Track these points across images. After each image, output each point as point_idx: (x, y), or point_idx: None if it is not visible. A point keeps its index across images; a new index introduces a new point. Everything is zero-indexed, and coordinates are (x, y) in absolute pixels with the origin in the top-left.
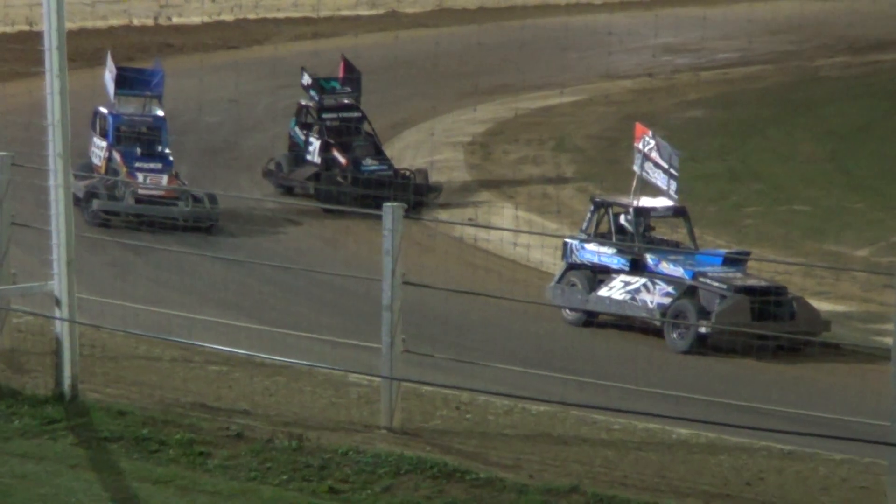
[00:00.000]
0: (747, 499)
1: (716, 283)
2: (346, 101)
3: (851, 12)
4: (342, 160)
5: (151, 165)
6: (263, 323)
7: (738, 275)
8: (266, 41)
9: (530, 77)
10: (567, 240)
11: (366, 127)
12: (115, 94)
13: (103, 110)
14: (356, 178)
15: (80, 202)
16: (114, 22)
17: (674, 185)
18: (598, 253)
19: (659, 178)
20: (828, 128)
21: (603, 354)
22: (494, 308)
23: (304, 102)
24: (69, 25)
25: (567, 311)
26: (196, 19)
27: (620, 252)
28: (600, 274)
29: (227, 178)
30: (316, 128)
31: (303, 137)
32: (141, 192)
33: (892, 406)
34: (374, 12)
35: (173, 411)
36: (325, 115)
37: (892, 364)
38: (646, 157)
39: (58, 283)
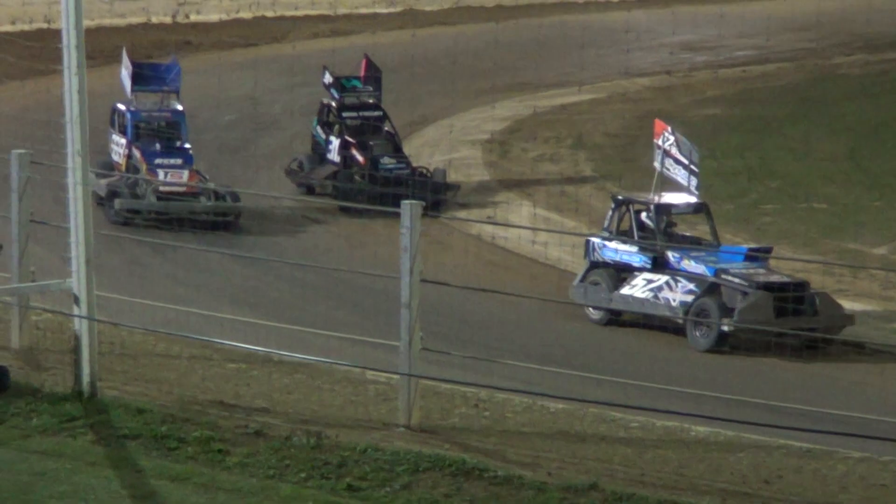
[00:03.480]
0: (765, 497)
1: (738, 280)
2: (368, 100)
3: (869, 9)
4: (360, 158)
5: (172, 161)
6: (282, 321)
7: (761, 271)
8: (284, 39)
9: (548, 75)
10: (589, 238)
11: (386, 126)
12: (132, 90)
13: (121, 107)
14: (373, 177)
15: (102, 201)
16: (132, 20)
17: (694, 181)
18: (620, 251)
19: (679, 175)
20: (846, 125)
21: (622, 352)
22: (513, 306)
23: (325, 101)
24: (87, 23)
25: (591, 309)
26: (214, 17)
27: (642, 250)
28: (623, 272)
29: (245, 176)
30: (336, 127)
31: (324, 136)
32: (162, 189)
33: None
34: (391, 10)
35: (192, 409)
36: (345, 114)
37: None
38: (666, 154)
39: (76, 281)
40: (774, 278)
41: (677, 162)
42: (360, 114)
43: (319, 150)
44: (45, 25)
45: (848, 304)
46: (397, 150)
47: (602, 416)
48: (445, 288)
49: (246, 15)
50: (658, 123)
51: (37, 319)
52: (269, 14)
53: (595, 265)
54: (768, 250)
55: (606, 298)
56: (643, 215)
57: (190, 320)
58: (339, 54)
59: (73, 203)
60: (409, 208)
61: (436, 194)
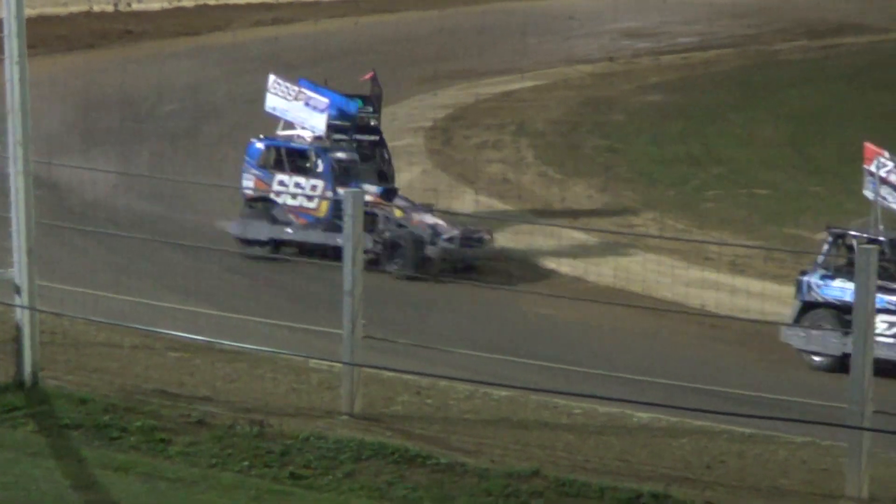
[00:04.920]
0: (707, 482)
1: None
2: (370, 121)
3: None
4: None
5: (405, 203)
6: (225, 310)
7: None
8: (226, 27)
9: (491, 62)
10: (803, 277)
11: (385, 153)
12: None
13: (300, 146)
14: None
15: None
16: (74, 9)
17: None
18: (848, 290)
19: None
20: (787, 112)
21: (566, 340)
22: (458, 294)
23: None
24: (29, 12)
25: (813, 356)
26: (156, 5)
27: (883, 289)
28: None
29: (187, 165)
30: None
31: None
32: (451, 234)
33: (849, 389)
34: None
35: (134, 398)
36: (337, 136)
37: (852, 347)
38: (883, 181)
39: (18, 271)
40: None
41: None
42: (352, 135)
43: None
44: None
45: (790, 290)
46: (382, 177)
47: (545, 403)
48: (388, 276)
49: (188, 4)
50: (869, 148)
51: None
52: (212, 2)
53: (811, 305)
54: None
55: (839, 343)
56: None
57: (133, 310)
58: (282, 42)
59: (14, 193)
60: (351, 197)
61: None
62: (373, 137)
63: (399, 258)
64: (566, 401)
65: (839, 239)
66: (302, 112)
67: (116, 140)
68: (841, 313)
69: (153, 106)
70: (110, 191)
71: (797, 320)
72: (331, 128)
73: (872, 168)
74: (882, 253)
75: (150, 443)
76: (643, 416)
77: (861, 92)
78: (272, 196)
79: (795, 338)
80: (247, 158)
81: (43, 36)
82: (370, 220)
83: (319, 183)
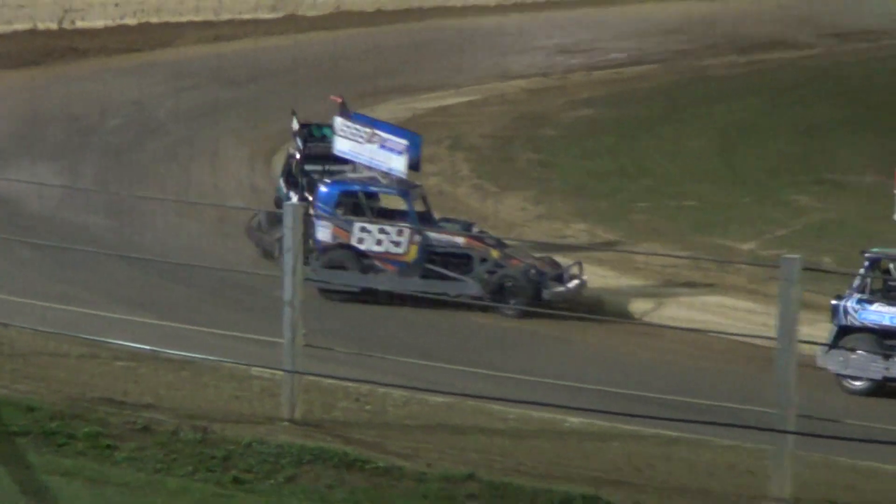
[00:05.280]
0: (637, 484)
1: None
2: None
3: (738, 13)
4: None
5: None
6: (168, 319)
7: None
8: (169, 44)
9: (427, 78)
10: (839, 302)
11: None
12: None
13: (382, 188)
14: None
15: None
16: (18, 26)
17: None
18: (887, 314)
19: None
20: (715, 125)
21: (502, 348)
22: (395, 304)
23: (291, 152)
24: None
25: (850, 380)
26: (100, 23)
27: None
28: (888, 337)
29: (130, 178)
30: (300, 181)
31: (285, 191)
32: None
33: (776, 394)
34: (273, 15)
35: (81, 406)
36: (307, 167)
37: (777, 353)
38: None
39: None
40: None
41: None
42: (325, 166)
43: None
44: None
45: (717, 299)
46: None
47: (480, 408)
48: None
49: (131, 21)
50: None
51: None
52: (154, 20)
53: (848, 329)
54: None
55: (880, 369)
56: None
57: (79, 320)
58: (224, 59)
59: None
60: (291, 209)
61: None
62: (343, 166)
63: (511, 299)
64: (501, 406)
65: (875, 263)
66: (378, 155)
67: (62, 154)
68: (880, 337)
69: (98, 121)
70: (56, 204)
71: (834, 345)
72: (302, 157)
73: None
74: None
75: (97, 449)
76: (574, 420)
77: (786, 107)
78: (354, 243)
79: (833, 362)
80: (319, 205)
81: None
82: (465, 262)
83: (405, 227)
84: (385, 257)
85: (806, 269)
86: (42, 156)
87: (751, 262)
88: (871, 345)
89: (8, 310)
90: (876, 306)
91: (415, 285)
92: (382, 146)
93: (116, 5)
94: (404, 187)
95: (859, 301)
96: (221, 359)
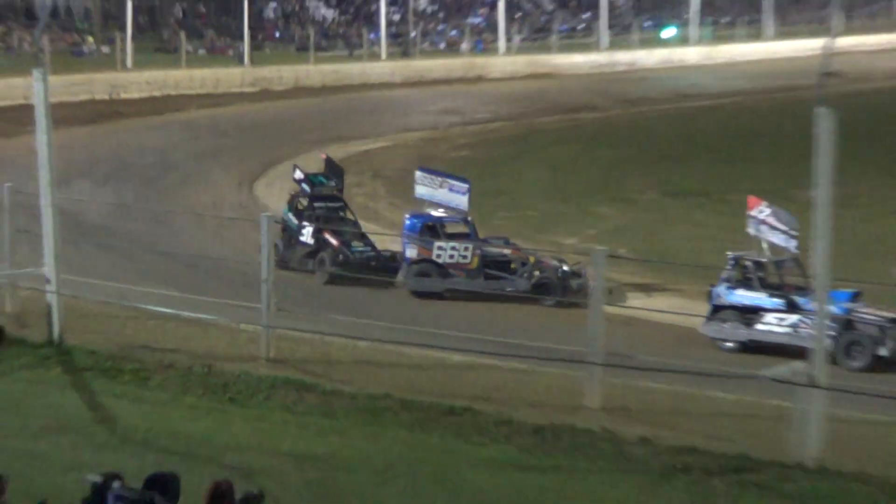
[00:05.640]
0: (498, 400)
1: (871, 317)
2: (333, 192)
3: (560, 88)
4: (334, 242)
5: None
6: (185, 292)
7: (870, 308)
8: (182, 109)
9: (356, 131)
10: (713, 288)
11: (348, 214)
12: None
13: (450, 217)
14: (347, 258)
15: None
16: (82, 97)
17: (794, 242)
18: (747, 296)
19: (777, 238)
20: (548, 161)
21: (422, 313)
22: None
23: (294, 192)
24: (52, 99)
25: (722, 342)
26: (136, 95)
27: (773, 294)
28: (747, 313)
29: (157, 197)
30: (307, 214)
31: (296, 222)
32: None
33: (589, 339)
34: (253, 89)
35: (126, 351)
36: (316, 205)
37: (591, 311)
38: (761, 223)
39: (48, 268)
40: (886, 313)
41: (773, 228)
42: (327, 204)
43: (289, 234)
44: (23, 101)
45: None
46: (363, 236)
47: (394, 350)
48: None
49: (157, 94)
50: (751, 199)
51: (23, 295)
52: (173, 93)
53: (719, 308)
54: (858, 293)
55: (744, 333)
56: (752, 268)
57: (124, 293)
58: (219, 119)
59: (45, 217)
60: (265, 220)
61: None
62: (339, 204)
63: (549, 294)
64: (407, 349)
65: (736, 261)
66: (447, 196)
67: (111, 182)
68: (742, 313)
69: (135, 160)
70: (106, 215)
71: (710, 319)
72: (311, 198)
73: (754, 213)
74: (765, 269)
75: (137, 379)
76: (457, 357)
77: (594, 149)
78: (434, 258)
79: (710, 330)
80: (406, 232)
81: (61, 115)
82: (508, 266)
83: (469, 244)
84: (456, 266)
85: (610, 256)
86: (97, 182)
87: (576, 252)
88: (737, 318)
89: (77, 286)
90: (739, 291)
91: (479, 286)
92: (450, 189)
93: (148, 83)
94: (465, 216)
95: (727, 287)
96: (220, 318)
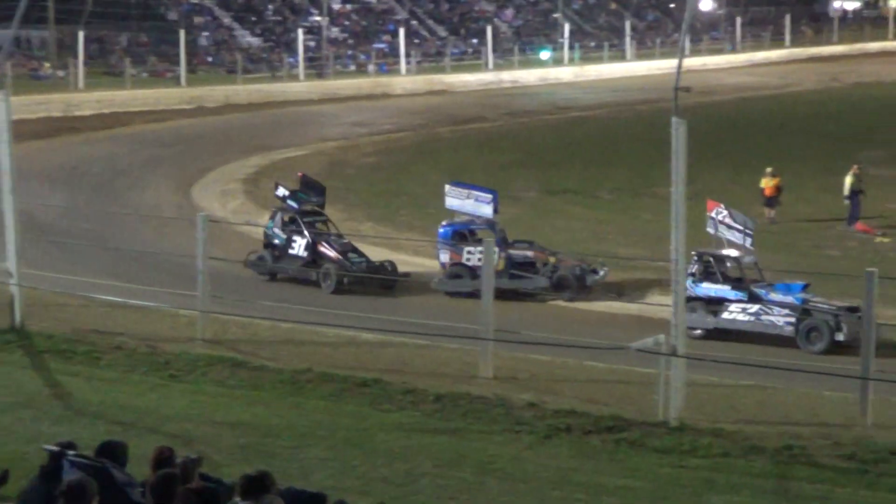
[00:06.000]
0: (404, 372)
1: (825, 306)
2: (316, 207)
3: (454, 103)
4: (332, 254)
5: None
6: (131, 283)
7: (821, 298)
8: (128, 124)
9: (279, 141)
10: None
11: (332, 228)
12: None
13: (477, 225)
14: (346, 269)
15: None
16: (40, 115)
17: (749, 240)
18: (712, 289)
19: (734, 237)
20: (445, 166)
21: (340, 301)
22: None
23: (277, 207)
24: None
25: (690, 329)
26: (88, 112)
27: (736, 287)
28: (712, 304)
29: (106, 200)
30: (291, 228)
31: (284, 236)
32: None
33: (482, 317)
34: (189, 106)
35: (79, 334)
36: (305, 220)
37: (483, 295)
38: (719, 223)
39: (10, 263)
40: (836, 301)
41: (730, 227)
42: (314, 219)
43: (275, 246)
44: None
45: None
46: (355, 249)
47: (313, 330)
48: (227, 263)
49: (106, 111)
50: (710, 202)
51: None
52: (120, 110)
53: (687, 299)
54: (807, 285)
55: (712, 322)
56: (716, 264)
57: (77, 285)
58: (161, 132)
59: (7, 218)
60: (201, 219)
61: (393, 281)
62: (322, 218)
63: (567, 290)
64: (324, 328)
65: (701, 257)
66: (474, 206)
67: (66, 186)
68: (706, 303)
69: (86, 168)
70: (60, 215)
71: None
72: (299, 213)
73: (713, 214)
74: (723, 264)
75: (89, 360)
76: (367, 336)
77: (484, 154)
78: (464, 262)
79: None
80: (439, 240)
81: (21, 130)
82: (532, 267)
83: (496, 248)
84: None
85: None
86: (54, 187)
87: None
88: (703, 308)
89: (36, 279)
90: (705, 284)
91: (505, 284)
92: (476, 200)
93: (97, 102)
94: (490, 223)
95: (693, 281)
96: (161, 305)
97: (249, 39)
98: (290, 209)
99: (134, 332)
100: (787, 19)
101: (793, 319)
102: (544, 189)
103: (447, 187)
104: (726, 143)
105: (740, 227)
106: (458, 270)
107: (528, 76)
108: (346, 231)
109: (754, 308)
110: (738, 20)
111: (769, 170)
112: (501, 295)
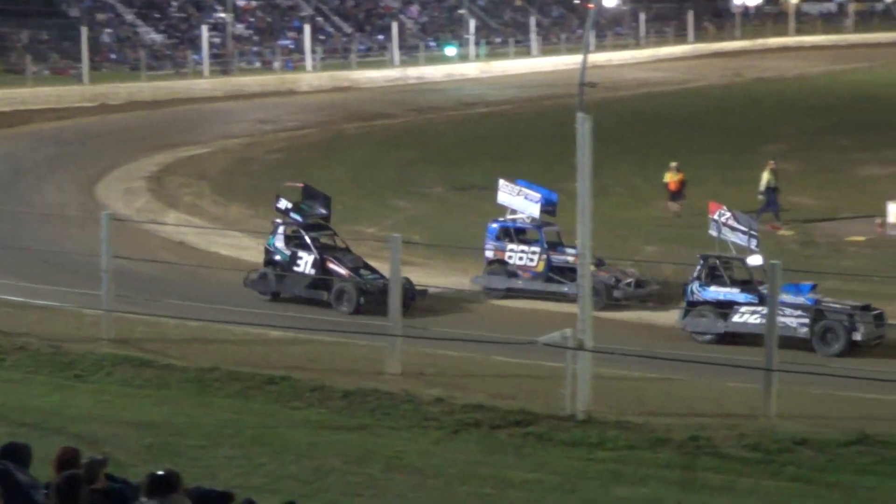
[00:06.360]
0: (311, 370)
1: (837, 305)
2: (320, 220)
3: (358, 99)
4: (342, 271)
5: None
6: (34, 283)
7: (830, 298)
8: (30, 122)
9: (183, 139)
10: (686, 286)
11: (339, 242)
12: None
13: (524, 224)
14: (362, 287)
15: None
16: None
17: (754, 242)
18: (721, 292)
19: (739, 239)
20: (350, 161)
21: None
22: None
23: (279, 221)
24: None
25: (699, 335)
26: None
27: (746, 290)
28: (721, 307)
29: (9, 199)
30: (295, 242)
31: (288, 253)
32: (629, 279)
33: (390, 315)
34: (92, 104)
35: None
36: (311, 234)
37: (390, 290)
38: (723, 225)
39: None
40: (848, 301)
41: (734, 229)
42: (321, 233)
43: (277, 263)
44: None
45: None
46: (366, 265)
47: (220, 328)
48: (135, 262)
49: (7, 109)
50: (712, 205)
51: None
52: (21, 108)
53: (694, 303)
54: (814, 286)
55: (722, 326)
56: (722, 267)
57: None
58: (63, 131)
59: None
60: (105, 217)
61: (412, 300)
62: (329, 231)
63: (596, 297)
64: (232, 326)
65: (706, 260)
66: (523, 203)
67: None
68: (716, 307)
69: None
70: None
71: (686, 315)
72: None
73: (715, 217)
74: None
75: None
76: (274, 333)
77: (389, 151)
78: (507, 259)
79: (688, 325)
80: (487, 235)
81: None
82: (572, 272)
83: (537, 249)
84: (525, 268)
85: (404, 242)
86: None
87: (371, 239)
88: (713, 312)
89: None
90: (713, 287)
91: (538, 286)
92: (526, 198)
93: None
94: (538, 224)
95: (700, 285)
96: (66, 304)
97: (153, 36)
98: (293, 223)
99: (38, 332)
100: (691, 15)
101: (806, 321)
102: (451, 185)
103: (500, 182)
104: (631, 137)
105: (744, 229)
106: (496, 268)
107: (434, 72)
108: (254, 228)
109: (765, 310)
110: (642, 16)
111: (673, 164)
112: (535, 297)
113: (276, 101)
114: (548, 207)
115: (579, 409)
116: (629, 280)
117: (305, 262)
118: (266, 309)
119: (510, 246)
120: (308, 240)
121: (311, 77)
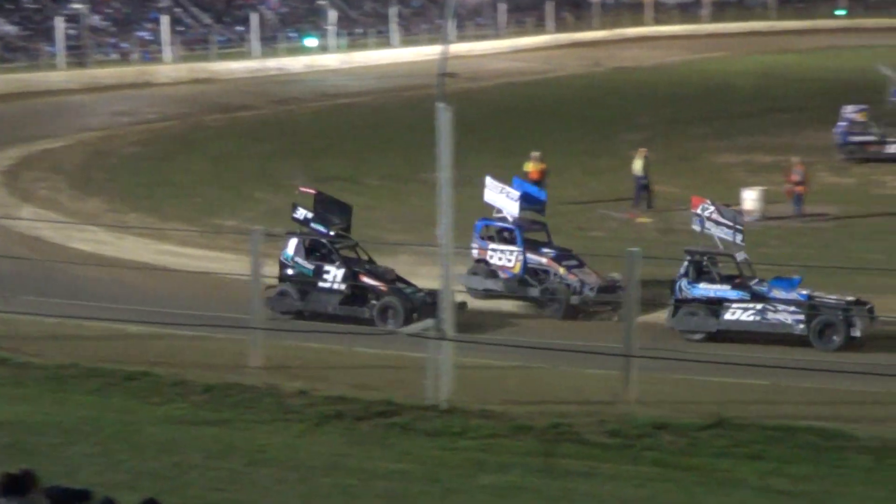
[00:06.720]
0: (173, 363)
1: (831, 300)
2: (341, 231)
3: (219, 91)
4: (378, 285)
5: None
6: None
7: (821, 293)
8: None
9: (39, 132)
10: (674, 284)
11: (361, 253)
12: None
13: (504, 224)
14: (415, 305)
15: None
16: None
17: (739, 237)
18: (711, 289)
19: (724, 233)
20: (211, 154)
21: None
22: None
23: (292, 233)
24: None
25: (691, 334)
26: None
27: (737, 287)
28: (712, 305)
29: None
30: (318, 255)
31: (311, 267)
32: (594, 285)
33: (251, 307)
34: None
35: None
36: (336, 245)
37: (250, 285)
38: (707, 219)
39: None
40: (837, 296)
41: (718, 224)
42: (343, 244)
43: (292, 278)
44: None
45: (212, 254)
46: (401, 278)
47: (80, 324)
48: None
49: None
50: (695, 199)
51: None
52: None
53: (682, 301)
54: (800, 280)
55: (714, 324)
56: (708, 263)
57: None
58: None
59: None
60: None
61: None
62: (351, 242)
63: (555, 304)
64: (91, 322)
65: (693, 255)
66: (504, 202)
67: None
68: (706, 304)
69: None
70: None
71: (674, 314)
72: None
73: (699, 211)
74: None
75: None
76: (133, 328)
77: (249, 143)
78: (488, 259)
79: (678, 324)
80: (474, 234)
81: None
82: (546, 274)
83: (516, 249)
84: (503, 268)
85: (266, 234)
86: None
87: (232, 232)
88: (704, 310)
89: None
90: (703, 285)
91: (511, 288)
92: (507, 196)
93: None
94: (517, 223)
95: (689, 282)
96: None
97: (6, 28)
98: (316, 234)
99: None
100: (550, 6)
101: (802, 317)
102: (311, 176)
103: (487, 180)
104: (492, 127)
105: (729, 223)
106: (477, 268)
107: (294, 63)
108: (111, 223)
109: (759, 307)
110: (502, 6)
111: (536, 153)
112: (513, 298)
113: (134, 94)
114: (536, 206)
115: (442, 399)
116: (591, 286)
117: (334, 277)
118: (124, 304)
119: (491, 245)
120: (336, 253)
121: (170, 69)
